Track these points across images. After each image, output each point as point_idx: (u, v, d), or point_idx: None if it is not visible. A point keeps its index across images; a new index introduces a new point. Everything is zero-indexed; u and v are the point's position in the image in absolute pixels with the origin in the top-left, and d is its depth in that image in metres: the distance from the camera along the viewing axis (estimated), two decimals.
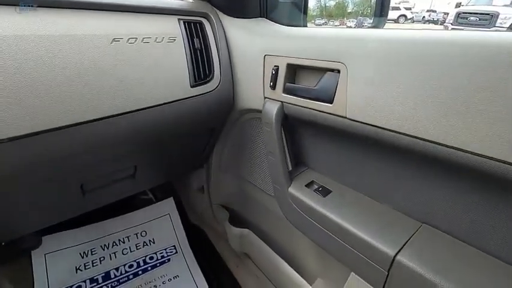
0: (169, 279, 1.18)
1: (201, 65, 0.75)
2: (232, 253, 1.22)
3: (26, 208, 0.72)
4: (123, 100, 0.62)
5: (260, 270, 1.11)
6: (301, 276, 0.86)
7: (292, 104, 0.69)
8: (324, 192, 0.70)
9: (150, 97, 0.66)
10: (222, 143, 1.00)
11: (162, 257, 1.25)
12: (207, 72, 0.76)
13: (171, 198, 1.42)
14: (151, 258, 1.24)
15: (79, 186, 0.74)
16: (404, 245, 0.53)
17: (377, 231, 0.57)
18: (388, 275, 0.54)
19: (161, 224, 1.35)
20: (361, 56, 0.55)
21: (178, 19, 0.74)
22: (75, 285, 1.09)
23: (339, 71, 0.59)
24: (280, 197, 0.77)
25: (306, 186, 0.73)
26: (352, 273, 0.63)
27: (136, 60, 0.64)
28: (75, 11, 0.58)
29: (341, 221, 0.62)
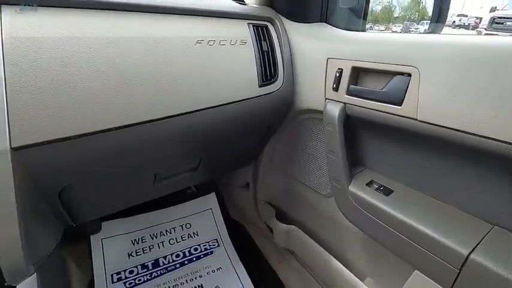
0: (213, 271, 1.23)
1: (267, 66, 0.79)
2: (273, 249, 1.25)
3: (104, 194, 0.79)
4: (200, 97, 0.68)
5: (303, 267, 1.13)
6: (351, 272, 0.88)
7: (355, 105, 0.72)
8: (386, 191, 0.72)
9: (222, 95, 0.71)
10: (274, 141, 1.04)
11: (205, 249, 1.31)
12: (273, 73, 0.81)
13: (213, 193, 1.48)
14: (195, 249, 1.30)
15: (153, 176, 0.80)
16: (477, 245, 0.55)
17: (447, 231, 0.59)
18: (459, 273, 0.56)
19: (204, 218, 1.42)
20: (435, 60, 0.57)
21: (248, 23, 0.79)
22: (128, 270, 1.17)
23: (409, 75, 0.61)
24: (339, 195, 0.80)
25: (366, 185, 0.75)
26: (416, 271, 0.65)
27: (215, 61, 0.69)
28: (160, 15, 0.64)
29: (407, 219, 0.64)
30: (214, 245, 1.34)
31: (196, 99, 0.67)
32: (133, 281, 1.14)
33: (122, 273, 1.16)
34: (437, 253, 0.59)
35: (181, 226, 1.36)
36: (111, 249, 1.20)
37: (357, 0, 0.91)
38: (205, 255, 1.29)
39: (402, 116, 0.63)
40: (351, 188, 0.76)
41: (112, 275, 1.15)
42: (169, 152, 0.74)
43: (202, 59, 0.67)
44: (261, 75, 0.78)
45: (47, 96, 0.49)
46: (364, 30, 0.91)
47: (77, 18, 0.54)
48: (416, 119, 0.60)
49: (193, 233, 1.36)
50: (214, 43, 0.70)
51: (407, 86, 0.62)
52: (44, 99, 0.48)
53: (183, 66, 0.64)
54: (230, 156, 1.02)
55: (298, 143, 0.97)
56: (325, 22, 0.90)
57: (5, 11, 0.48)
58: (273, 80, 0.81)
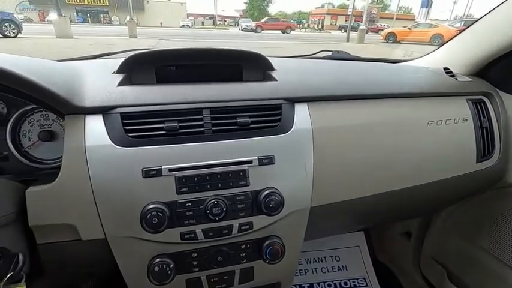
0: None
1: (486, 142, 0.82)
2: None
3: None
4: (422, 173, 0.77)
5: None
6: None
7: None
8: None
9: (443, 171, 0.78)
10: (461, 203, 1.04)
11: (355, 285, 1.38)
12: (490, 148, 0.83)
13: (362, 232, 1.54)
14: (345, 283, 1.39)
15: None
16: None
17: None
18: None
19: (351, 254, 1.49)
20: None
21: (467, 99, 0.84)
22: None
23: None
24: None
25: None
26: None
27: (441, 140, 0.77)
28: (399, 100, 0.76)
29: None
30: (362, 283, 1.39)
31: (421, 174, 0.76)
32: None
33: None
34: None
35: (331, 257, 1.48)
36: None
37: None
38: None
39: None
40: None
41: None
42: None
43: (432, 139, 0.76)
44: (480, 152, 0.81)
45: (332, 167, 0.67)
46: None
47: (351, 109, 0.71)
48: None
49: (342, 266, 1.45)
50: (441, 123, 0.78)
51: None
52: (331, 169, 0.67)
53: (416, 145, 0.75)
54: (415, 212, 1.07)
55: (494, 212, 0.94)
56: None
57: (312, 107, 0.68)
58: (489, 155, 0.83)
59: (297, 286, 1.36)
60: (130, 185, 0.55)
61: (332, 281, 1.39)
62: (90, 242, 0.55)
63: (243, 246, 0.62)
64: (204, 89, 0.65)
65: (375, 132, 0.71)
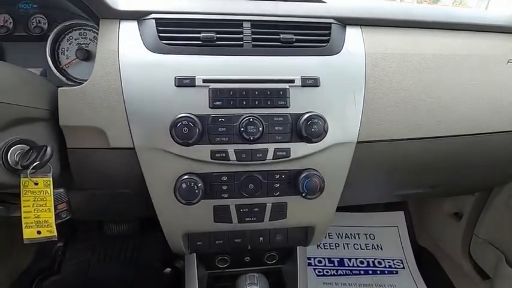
0: None
1: None
2: None
3: None
4: (493, 119, 0.64)
5: None
6: None
7: None
8: None
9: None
10: None
11: (390, 266, 1.27)
12: None
13: (402, 212, 1.41)
14: (379, 263, 1.28)
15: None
16: None
17: None
18: None
19: (388, 234, 1.37)
20: None
21: None
22: (317, 259, 1.28)
23: None
24: None
25: None
26: None
27: None
28: (478, 33, 0.64)
29: None
30: (399, 265, 1.28)
31: (491, 117, 0.64)
32: (321, 270, 1.24)
33: (312, 259, 1.28)
34: None
35: (365, 235, 1.37)
36: None
37: None
38: (390, 272, 1.25)
39: None
40: None
41: None
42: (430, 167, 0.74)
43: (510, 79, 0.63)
44: None
45: (385, 99, 0.58)
46: None
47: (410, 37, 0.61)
48: None
49: (377, 245, 1.34)
50: None
51: None
52: (383, 102, 0.58)
53: (491, 85, 0.63)
54: (470, 180, 0.93)
55: None
56: None
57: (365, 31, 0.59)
58: None
59: (326, 259, 1.28)
60: (161, 93, 0.51)
61: (365, 258, 1.29)
62: (118, 151, 0.53)
63: (277, 176, 0.56)
64: (246, 2, 0.59)
65: (440, 65, 0.60)
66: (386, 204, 1.45)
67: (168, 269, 1.18)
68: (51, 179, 0.45)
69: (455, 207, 1.15)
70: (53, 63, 0.66)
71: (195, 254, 0.69)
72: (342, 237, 1.36)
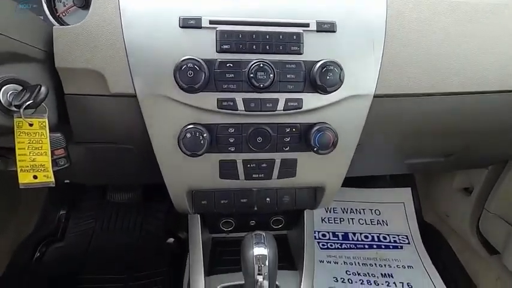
0: (404, 266, 1.17)
1: None
2: (488, 270, 1.07)
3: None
4: None
5: None
6: None
7: None
8: None
9: None
10: None
11: (395, 241, 1.26)
12: None
13: (409, 188, 1.39)
14: (384, 238, 1.27)
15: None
16: None
17: None
18: None
19: (394, 210, 1.35)
20: None
21: None
22: (321, 232, 1.27)
23: None
24: None
25: None
26: None
27: None
28: None
29: None
30: (404, 241, 1.26)
31: None
32: (326, 243, 1.23)
33: (316, 233, 1.26)
34: None
35: (371, 210, 1.35)
36: None
37: None
38: (395, 247, 1.24)
39: None
40: None
41: None
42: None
43: None
44: None
45: (407, 50, 0.53)
46: None
47: None
48: None
49: (383, 221, 1.32)
50: None
51: None
52: (405, 52, 0.53)
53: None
54: (488, 149, 0.89)
55: None
56: None
57: None
58: None
59: (330, 233, 1.27)
60: (165, 34, 0.47)
61: (369, 233, 1.28)
62: (119, 98, 0.49)
63: (288, 130, 0.53)
64: None
65: (469, 15, 0.55)
66: (394, 181, 1.42)
67: (171, 239, 1.17)
68: (46, 120, 0.42)
69: (466, 182, 1.12)
70: (49, 10, 0.62)
71: (199, 216, 0.67)
72: (347, 212, 1.34)
